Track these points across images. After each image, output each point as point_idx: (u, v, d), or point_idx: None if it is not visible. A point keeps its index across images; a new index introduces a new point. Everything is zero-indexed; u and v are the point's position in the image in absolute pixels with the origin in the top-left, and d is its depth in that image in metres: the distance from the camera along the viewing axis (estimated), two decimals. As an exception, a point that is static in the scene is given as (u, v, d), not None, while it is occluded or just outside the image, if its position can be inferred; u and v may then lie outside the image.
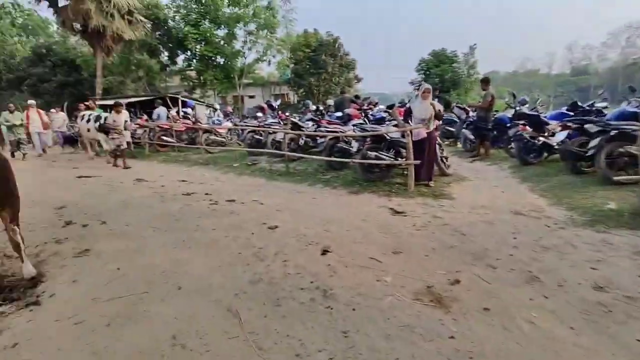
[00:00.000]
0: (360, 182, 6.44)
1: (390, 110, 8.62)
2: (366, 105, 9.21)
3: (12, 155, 10.55)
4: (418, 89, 6.01)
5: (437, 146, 6.53)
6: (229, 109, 16.29)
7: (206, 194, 5.97)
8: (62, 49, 23.17)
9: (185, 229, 4.32)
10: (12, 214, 3.07)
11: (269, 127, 9.23)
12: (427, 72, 26.67)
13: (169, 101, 15.29)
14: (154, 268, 3.28)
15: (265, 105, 12.43)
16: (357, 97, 9.66)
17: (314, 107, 11.24)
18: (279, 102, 13.76)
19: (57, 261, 3.54)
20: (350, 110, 8.35)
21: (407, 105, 6.58)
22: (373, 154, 6.22)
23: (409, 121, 6.29)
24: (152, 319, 2.49)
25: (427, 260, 3.29)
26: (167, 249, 3.72)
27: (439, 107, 6.08)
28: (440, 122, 6.18)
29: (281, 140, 8.39)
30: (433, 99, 6.31)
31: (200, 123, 11.62)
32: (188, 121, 11.95)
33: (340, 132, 7.26)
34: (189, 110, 13.60)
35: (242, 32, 22.11)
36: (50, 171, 9.09)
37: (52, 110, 14.05)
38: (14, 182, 3.14)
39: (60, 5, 16.77)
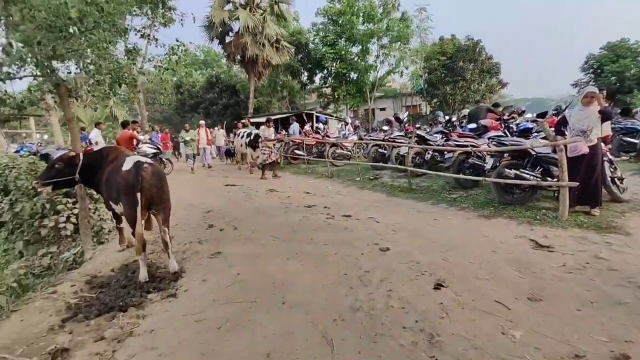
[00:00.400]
0: (494, 204, 5.53)
1: (540, 120, 7.23)
2: (507, 114, 7.96)
3: (192, 170, 12.65)
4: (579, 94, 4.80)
5: (607, 164, 5.08)
6: (356, 122, 16.64)
7: (325, 207, 6.12)
8: (227, 77, 28.23)
9: (300, 240, 4.48)
10: (164, 218, 3.74)
11: (393, 141, 8.94)
12: (599, 70, 21.62)
13: (304, 117, 16.71)
14: (266, 277, 3.47)
15: (392, 119, 12.18)
16: (496, 105, 8.44)
17: (444, 119, 10.41)
18: (406, 114, 13.27)
19: (196, 260, 4.13)
20: (487, 120, 7.33)
21: (562, 114, 5.32)
22: (512, 172, 5.25)
23: (565, 132, 5.09)
24: (254, 330, 2.58)
25: (579, 318, 2.49)
26: (281, 259, 3.90)
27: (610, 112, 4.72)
28: (610, 133, 4.78)
29: (405, 154, 8.01)
30: (606, 104, 4.93)
31: (329, 137, 12.21)
32: (318, 135, 12.72)
33: (472, 145, 6.43)
34: (320, 125, 14.52)
35: (375, 47, 22.53)
36: (208, 180, 10.97)
37: (215, 128, 17.06)
38: (168, 190, 3.81)
39: (226, 41, 20.49)
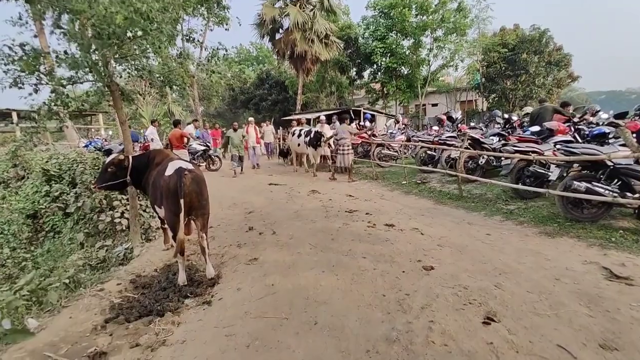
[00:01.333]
0: (559, 219, 4.91)
1: (619, 123, 6.31)
2: (578, 116, 7.05)
3: (235, 174, 11.05)
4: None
5: None
6: (405, 120, 15.92)
7: (367, 213, 5.87)
8: (277, 73, 28.73)
9: (338, 251, 4.30)
10: (202, 223, 3.76)
11: (444, 143, 8.38)
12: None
13: (351, 114, 16.41)
14: (300, 291, 3.35)
15: (444, 117, 11.48)
16: (564, 104, 7.47)
17: (502, 118, 9.56)
18: (459, 113, 12.42)
19: (233, 265, 4.14)
20: (553, 123, 6.53)
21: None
22: (583, 184, 4.60)
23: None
24: (281, 354, 2.47)
25: (669, 381, 2.04)
26: (316, 271, 3.76)
27: None
28: None
29: (457, 157, 7.46)
30: None
31: (375, 136, 11.81)
32: (365, 134, 12.34)
33: (535, 152, 5.76)
34: (367, 123, 14.12)
35: (428, 40, 21.43)
36: (255, 177, 11.06)
37: (264, 124, 17.07)
38: (207, 196, 3.83)
39: (276, 38, 20.75)
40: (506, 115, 10.43)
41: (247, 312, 3.07)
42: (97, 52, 4.15)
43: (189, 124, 12.53)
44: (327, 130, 10.13)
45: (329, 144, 9.72)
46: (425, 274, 3.54)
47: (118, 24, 3.66)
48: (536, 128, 6.90)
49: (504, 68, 20.83)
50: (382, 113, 19.79)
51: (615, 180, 4.56)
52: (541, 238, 4.49)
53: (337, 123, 11.17)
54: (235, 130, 11.41)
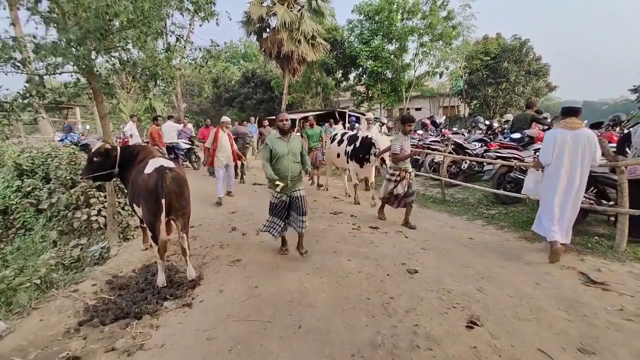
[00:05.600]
0: (537, 225, 5.04)
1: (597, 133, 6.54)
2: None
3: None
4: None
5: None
6: (390, 123, 16.04)
7: (352, 215, 5.87)
8: (263, 72, 28.45)
9: (322, 252, 4.27)
10: (183, 223, 3.65)
11: (428, 147, 8.49)
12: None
13: (337, 115, 16.44)
14: (284, 294, 3.29)
15: (427, 122, 11.64)
16: (537, 112, 7.65)
17: (485, 125, 9.77)
18: (443, 118, 12.62)
19: (216, 266, 4.04)
20: (533, 131, 6.71)
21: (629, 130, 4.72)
22: (561, 191, 4.73)
23: (626, 150, 4.52)
24: (265, 359, 2.41)
25: (644, 385, 2.10)
26: (301, 273, 3.71)
27: None
28: None
29: (440, 162, 7.55)
30: None
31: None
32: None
33: (515, 159, 5.90)
34: (356, 124, 14.12)
35: (414, 45, 21.70)
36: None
37: (245, 122, 16.11)
38: (188, 196, 3.72)
39: (263, 37, 20.53)
40: (488, 122, 10.66)
41: (230, 315, 3.00)
42: (78, 42, 3.97)
43: (169, 117, 11.70)
44: (382, 139, 6.36)
45: (382, 159, 5.88)
46: (410, 277, 3.55)
47: (110, 18, 3.54)
48: (517, 135, 7.07)
49: (485, 75, 21.31)
50: (365, 115, 19.88)
51: (592, 188, 4.72)
52: (521, 242, 4.60)
53: (373, 126, 8.52)
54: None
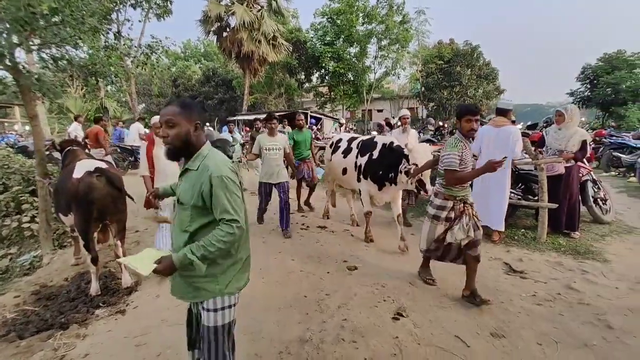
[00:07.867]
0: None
1: (528, 133, 7.08)
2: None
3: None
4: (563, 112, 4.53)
5: (590, 183, 4.93)
6: (350, 125, 16.38)
7: (302, 215, 5.93)
8: (224, 72, 27.96)
9: (267, 253, 4.29)
10: (117, 229, 3.52)
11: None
12: (595, 81, 21.53)
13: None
14: (222, 296, 3.27)
15: (383, 123, 11.98)
16: (481, 116, 8.21)
17: (434, 126, 10.24)
18: (397, 119, 13.01)
19: (155, 271, 3.92)
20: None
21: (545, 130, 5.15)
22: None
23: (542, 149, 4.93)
24: (192, 362, 2.39)
25: (541, 361, 2.32)
26: (243, 275, 3.70)
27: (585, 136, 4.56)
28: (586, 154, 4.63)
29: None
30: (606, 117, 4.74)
31: (319, 140, 11.93)
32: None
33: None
34: (312, 126, 14.27)
35: (374, 48, 22.26)
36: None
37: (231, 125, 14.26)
38: (124, 199, 3.59)
39: (223, 36, 20.15)
40: (440, 123, 11.18)
41: (164, 320, 2.94)
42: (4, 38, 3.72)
43: (139, 119, 11.00)
44: (420, 148, 3.96)
45: (420, 180, 3.86)
46: (349, 274, 3.67)
47: (34, 11, 3.33)
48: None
49: (440, 79, 22.28)
50: (329, 117, 20.11)
51: (520, 185, 5.10)
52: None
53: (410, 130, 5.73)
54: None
